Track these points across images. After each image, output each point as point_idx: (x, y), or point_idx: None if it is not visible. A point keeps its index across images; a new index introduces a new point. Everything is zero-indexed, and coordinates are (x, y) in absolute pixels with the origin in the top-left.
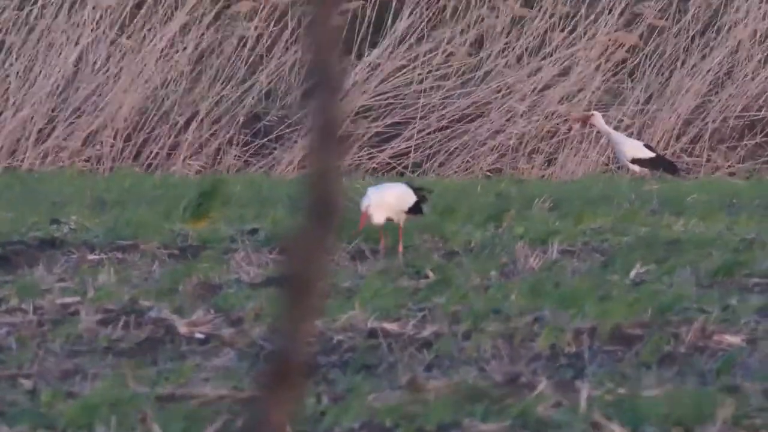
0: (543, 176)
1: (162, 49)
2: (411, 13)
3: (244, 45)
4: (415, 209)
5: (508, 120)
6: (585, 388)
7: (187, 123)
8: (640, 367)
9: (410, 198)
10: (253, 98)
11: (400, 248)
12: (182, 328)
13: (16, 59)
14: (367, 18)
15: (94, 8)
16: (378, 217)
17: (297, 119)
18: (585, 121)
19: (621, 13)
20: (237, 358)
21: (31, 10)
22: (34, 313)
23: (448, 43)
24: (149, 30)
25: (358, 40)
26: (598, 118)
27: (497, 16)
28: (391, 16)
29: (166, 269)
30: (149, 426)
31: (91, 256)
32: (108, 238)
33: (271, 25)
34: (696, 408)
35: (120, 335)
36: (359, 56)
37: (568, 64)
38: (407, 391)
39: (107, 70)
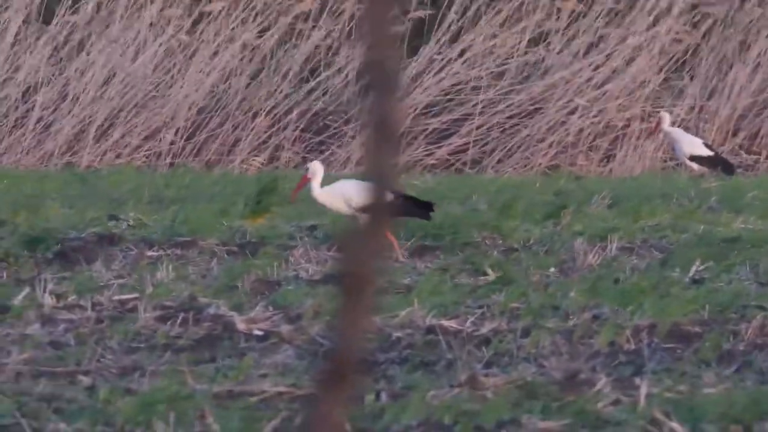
0: (601, 173)
1: (220, 45)
2: (468, 9)
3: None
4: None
5: (566, 116)
6: (644, 385)
7: (248, 120)
8: (699, 364)
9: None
10: (312, 95)
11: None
12: (241, 325)
13: (77, 56)
14: (426, 14)
15: (153, 2)
16: (320, 196)
17: (355, 116)
18: (658, 124)
19: (680, 10)
20: (295, 355)
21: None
22: (92, 309)
23: (506, 38)
24: (209, 25)
25: (416, 36)
26: (666, 118)
27: (558, 17)
28: (449, 12)
29: (224, 266)
30: (207, 423)
31: (149, 253)
32: (166, 235)
33: (331, 22)
34: (754, 405)
35: (178, 332)
36: (416, 52)
37: (626, 60)
38: (466, 388)
39: (168, 68)
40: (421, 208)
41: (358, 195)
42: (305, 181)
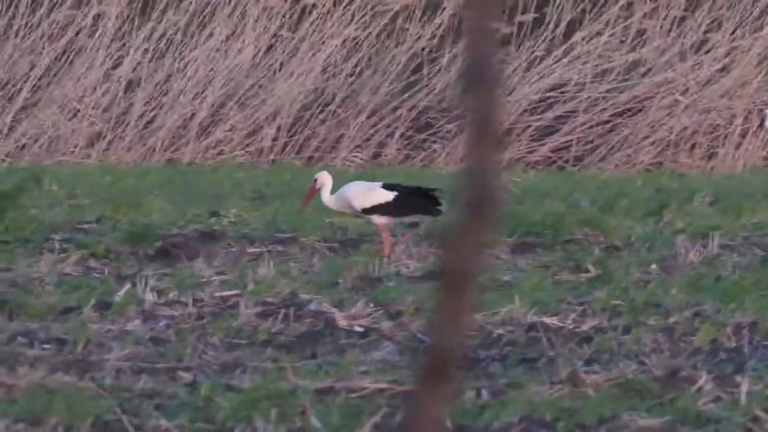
0: (703, 170)
1: (323, 41)
2: (573, 7)
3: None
4: (378, 210)
5: (668, 114)
6: (745, 383)
7: (350, 117)
8: None
9: (370, 198)
10: (415, 92)
11: (386, 250)
12: (341, 321)
13: (179, 51)
14: (527, 11)
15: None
16: (329, 202)
17: (457, 113)
18: (762, 122)
19: None
20: (396, 351)
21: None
22: (193, 305)
23: (610, 36)
24: (312, 23)
25: (520, 34)
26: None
27: (664, 17)
28: (553, 9)
29: (325, 262)
30: (308, 419)
31: (251, 249)
32: (268, 231)
33: (434, 19)
34: None
35: (279, 328)
36: (519, 50)
37: (729, 60)
38: (567, 385)
39: (270, 64)
40: (423, 206)
41: (357, 198)
42: (313, 192)
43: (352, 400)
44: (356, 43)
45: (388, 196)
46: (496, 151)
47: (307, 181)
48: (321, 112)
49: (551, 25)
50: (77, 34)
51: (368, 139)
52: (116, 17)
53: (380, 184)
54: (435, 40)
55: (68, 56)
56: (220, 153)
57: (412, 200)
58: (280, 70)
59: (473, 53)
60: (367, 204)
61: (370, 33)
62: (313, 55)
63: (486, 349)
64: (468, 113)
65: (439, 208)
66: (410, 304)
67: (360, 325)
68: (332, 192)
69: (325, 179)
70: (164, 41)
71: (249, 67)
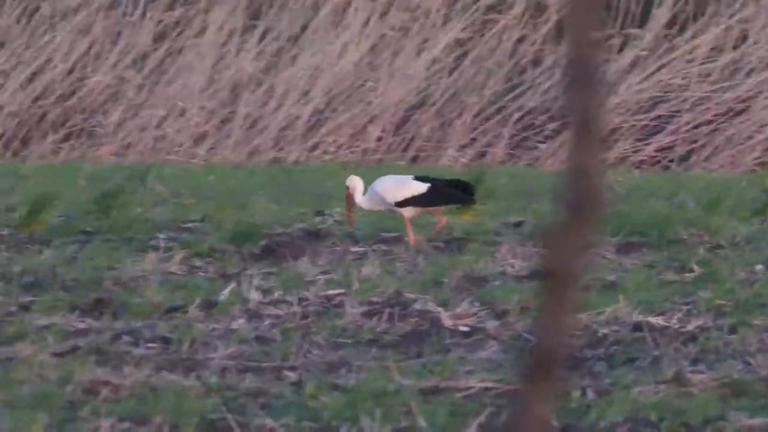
0: None
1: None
2: (675, 5)
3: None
4: (412, 202)
5: None
6: None
7: (456, 116)
8: None
9: (403, 191)
10: (520, 91)
11: (411, 240)
12: (447, 321)
13: (287, 53)
14: (630, 12)
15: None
16: (364, 203)
17: (561, 112)
18: None
19: None
20: (501, 350)
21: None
22: (298, 305)
23: (713, 35)
24: (415, 22)
25: (623, 33)
26: None
27: None
28: (655, 8)
29: (431, 261)
30: (414, 418)
31: (355, 248)
32: (373, 231)
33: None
34: None
35: (384, 327)
36: (622, 50)
37: None
38: (672, 385)
39: (376, 64)
40: (457, 196)
41: (389, 191)
42: (350, 198)
43: (458, 400)
44: (462, 43)
45: (422, 187)
46: (599, 151)
47: None
48: (426, 112)
49: (655, 25)
50: (183, 33)
51: (473, 139)
52: (225, 18)
53: (411, 177)
54: (540, 41)
55: (175, 57)
56: (325, 152)
57: (446, 190)
58: (385, 69)
59: (576, 54)
60: (400, 197)
61: (475, 32)
62: (418, 55)
63: (591, 349)
64: (571, 113)
65: (473, 197)
66: (516, 303)
67: (465, 325)
68: (364, 194)
69: (356, 183)
70: (271, 41)
71: (354, 67)
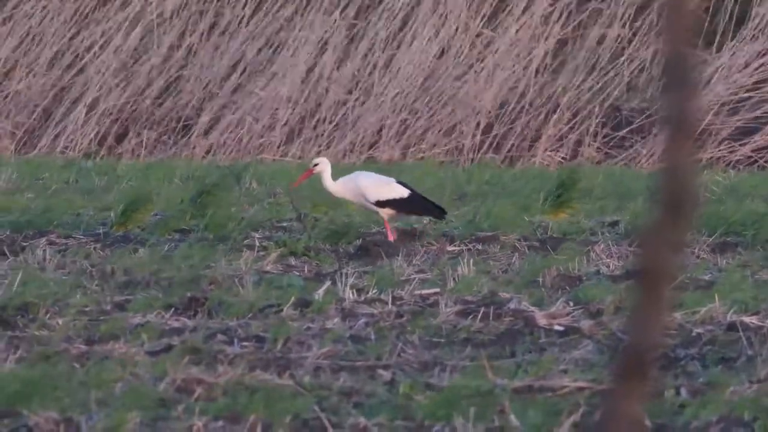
0: None
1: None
2: None
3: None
4: (392, 204)
5: None
6: None
7: (548, 115)
8: None
9: (387, 192)
10: (614, 90)
11: (391, 236)
12: (541, 320)
13: (383, 51)
14: (728, 10)
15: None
16: (333, 187)
17: (657, 111)
18: None
19: None
20: (596, 350)
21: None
22: (393, 304)
23: None
24: (511, 19)
25: (719, 31)
26: None
27: None
28: (753, 6)
29: (525, 261)
30: (507, 418)
31: (450, 248)
32: (468, 230)
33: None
34: None
35: (479, 327)
36: (719, 48)
37: None
38: (766, 384)
39: (469, 61)
40: (432, 208)
41: (371, 190)
42: (308, 174)
43: (551, 399)
44: (558, 41)
45: (404, 192)
46: (693, 150)
47: (508, 180)
48: (519, 110)
49: (752, 24)
50: (279, 33)
51: (566, 137)
52: (321, 18)
53: (394, 180)
54: (636, 39)
55: (270, 56)
56: (419, 151)
57: (423, 201)
58: (478, 67)
59: (672, 53)
60: (383, 197)
61: (569, 29)
62: (511, 52)
63: (685, 348)
64: (666, 112)
65: (444, 215)
66: (610, 302)
67: (560, 324)
68: (334, 180)
69: (325, 166)
70: (364, 40)
71: (448, 64)
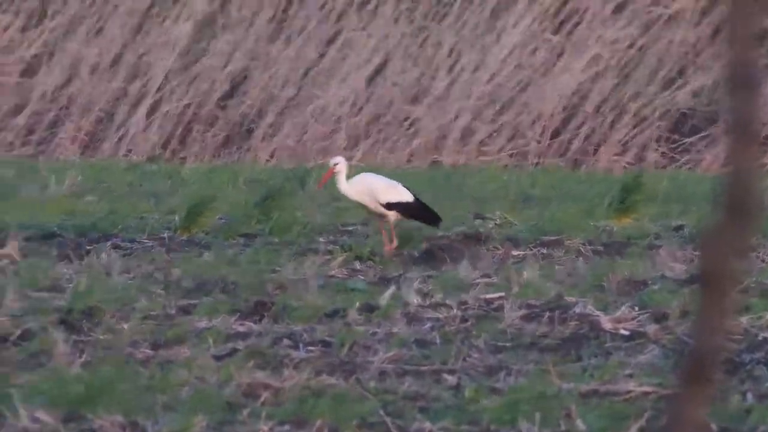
0: None
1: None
2: None
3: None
4: (398, 207)
5: None
6: None
7: (615, 119)
8: None
9: (395, 195)
10: (680, 95)
11: (388, 246)
12: (607, 324)
13: (449, 55)
14: None
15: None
16: (346, 188)
17: (721, 116)
18: None
19: None
20: (662, 354)
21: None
22: (458, 308)
23: None
24: (576, 25)
25: None
26: None
27: None
28: None
29: (590, 265)
30: (573, 422)
31: (515, 252)
32: (533, 234)
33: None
34: None
35: (544, 331)
36: None
37: None
38: None
39: (536, 66)
40: (432, 215)
41: (381, 190)
42: (330, 174)
43: (617, 404)
44: (627, 46)
45: (409, 197)
46: (758, 154)
47: (573, 184)
48: (583, 114)
49: None
50: (343, 37)
51: (630, 141)
52: (385, 24)
53: (399, 183)
54: (702, 42)
55: (334, 60)
56: (484, 155)
57: (425, 207)
58: (545, 72)
59: (736, 56)
60: (393, 199)
61: (639, 33)
62: (577, 57)
63: (751, 353)
64: (730, 116)
65: (440, 222)
66: (676, 307)
67: (625, 328)
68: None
69: (343, 166)
70: (430, 46)
71: (513, 69)
